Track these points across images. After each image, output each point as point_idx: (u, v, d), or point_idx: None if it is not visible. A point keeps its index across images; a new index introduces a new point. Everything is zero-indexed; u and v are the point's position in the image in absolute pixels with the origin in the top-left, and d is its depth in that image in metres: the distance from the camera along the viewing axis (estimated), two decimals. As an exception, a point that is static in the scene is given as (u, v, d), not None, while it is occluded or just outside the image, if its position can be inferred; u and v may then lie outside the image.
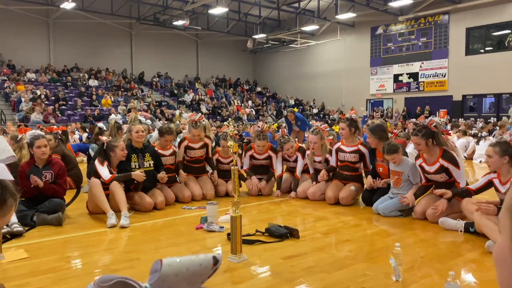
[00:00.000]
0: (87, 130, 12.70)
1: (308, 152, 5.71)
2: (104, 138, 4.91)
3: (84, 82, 23.15)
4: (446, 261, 3.09)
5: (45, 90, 20.41)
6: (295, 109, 11.03)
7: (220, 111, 24.17)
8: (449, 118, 20.27)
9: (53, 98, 20.05)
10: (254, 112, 25.44)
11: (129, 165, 4.92)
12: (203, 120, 5.95)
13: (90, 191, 4.52)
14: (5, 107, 18.58)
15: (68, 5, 19.95)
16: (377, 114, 23.95)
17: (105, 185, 4.50)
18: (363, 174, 5.40)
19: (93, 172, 4.66)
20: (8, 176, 1.13)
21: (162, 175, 4.97)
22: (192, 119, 5.64)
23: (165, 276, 0.70)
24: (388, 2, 20.74)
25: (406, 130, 13.71)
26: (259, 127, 5.94)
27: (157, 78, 26.78)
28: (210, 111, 23.91)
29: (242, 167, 5.97)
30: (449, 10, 21.59)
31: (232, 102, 26.39)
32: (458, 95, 21.77)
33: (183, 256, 0.73)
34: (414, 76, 23.63)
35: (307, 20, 24.99)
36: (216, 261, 0.76)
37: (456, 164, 4.10)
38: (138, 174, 4.63)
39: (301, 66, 28.69)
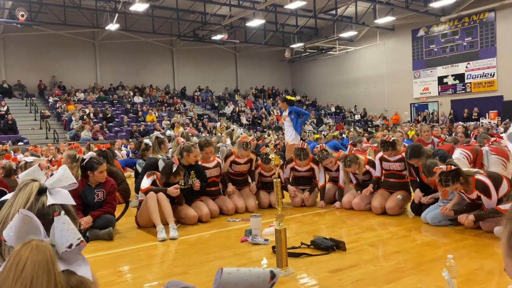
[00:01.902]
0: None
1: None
2: (174, 155, 5.05)
3: (130, 99, 24.04)
4: (504, 273, 2.91)
5: (93, 108, 21.39)
6: (290, 97, 8.47)
7: (260, 121, 24.30)
8: (500, 119, 19.30)
9: (100, 115, 20.95)
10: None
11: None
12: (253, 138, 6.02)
13: (144, 203, 4.65)
14: (57, 126, 19.60)
15: (113, 27, 20.90)
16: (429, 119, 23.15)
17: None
18: (410, 183, 5.23)
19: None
20: (71, 201, 1.22)
21: (172, 189, 4.73)
22: (244, 141, 5.68)
23: (225, 283, 0.74)
24: (428, 3, 20.16)
25: (453, 134, 13.19)
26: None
27: (198, 92, 27.37)
28: (250, 122, 24.09)
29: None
30: (495, 7, 20.67)
31: (271, 112, 26.47)
32: (510, 95, 20.67)
33: (242, 268, 0.77)
34: (460, 77, 22.74)
35: (345, 27, 24.75)
36: (273, 275, 0.79)
37: (488, 194, 3.86)
38: (172, 191, 4.70)
39: (341, 73, 28.37)
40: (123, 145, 14.36)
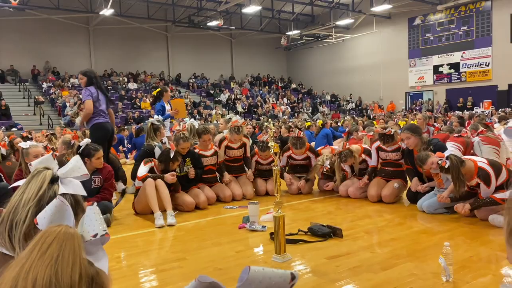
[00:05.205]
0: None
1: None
2: (171, 143, 5.02)
3: (124, 86, 23.85)
4: (499, 261, 2.97)
5: (87, 94, 21.17)
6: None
7: (255, 109, 24.26)
8: (494, 108, 19.41)
9: (95, 102, 20.78)
10: (289, 109, 25.37)
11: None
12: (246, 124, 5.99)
13: (142, 190, 4.66)
14: (51, 112, 19.44)
15: (107, 12, 20.61)
16: (416, 107, 23.27)
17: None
18: (406, 172, 5.25)
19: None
20: (82, 192, 1.22)
21: (169, 176, 4.79)
22: (235, 125, 5.67)
23: (252, 280, 0.79)
24: (426, -9, 20.09)
25: (448, 123, 13.26)
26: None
27: (194, 79, 27.20)
28: (246, 110, 24.04)
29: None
30: (491, -4, 20.66)
31: (267, 100, 26.42)
32: (504, 85, 20.77)
33: (267, 267, 0.81)
34: (455, 66, 22.78)
35: (342, 14, 24.60)
36: (293, 277, 0.84)
37: (488, 183, 3.88)
38: (168, 177, 4.73)
39: (337, 61, 28.30)
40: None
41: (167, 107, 7.04)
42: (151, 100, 7.51)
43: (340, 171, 5.48)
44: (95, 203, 0.98)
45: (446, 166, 3.94)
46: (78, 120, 5.80)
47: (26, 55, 22.36)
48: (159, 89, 7.31)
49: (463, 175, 3.93)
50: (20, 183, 1.26)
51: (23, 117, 18.60)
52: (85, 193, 1.26)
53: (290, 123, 11.53)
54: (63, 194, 1.18)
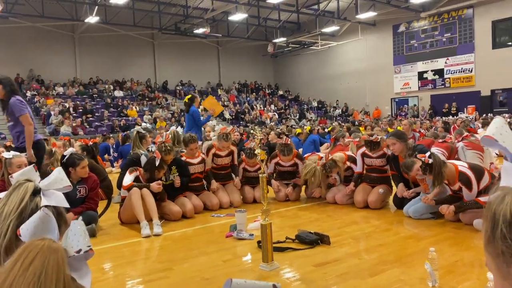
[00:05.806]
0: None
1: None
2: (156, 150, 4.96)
3: (110, 93, 23.67)
4: (483, 265, 2.98)
5: (72, 103, 20.98)
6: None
7: (243, 116, 24.27)
8: (477, 114, 19.75)
9: (80, 110, 20.57)
10: (277, 116, 25.45)
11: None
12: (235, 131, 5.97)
13: (128, 199, 4.60)
14: (35, 121, 19.09)
15: (92, 19, 20.49)
16: (402, 113, 23.55)
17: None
18: (391, 178, 5.30)
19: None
20: (64, 204, 1.21)
21: (154, 185, 4.74)
22: (223, 132, 5.65)
23: None
24: (409, -1, 20.43)
25: (433, 129, 13.41)
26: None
27: (181, 86, 27.13)
28: (233, 117, 24.04)
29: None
30: (473, 4, 21.08)
31: (254, 106, 26.46)
32: (487, 90, 21.18)
33: (249, 280, 0.81)
34: (439, 72, 23.15)
35: (327, 22, 24.85)
36: None
37: (469, 187, 3.93)
38: (154, 186, 4.70)
39: (323, 68, 28.52)
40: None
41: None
42: (185, 105, 7.35)
43: (326, 181, 5.51)
44: (80, 217, 0.97)
45: (430, 162, 3.98)
46: (25, 152, 4.97)
47: (9, 64, 22.00)
48: (190, 95, 7.43)
49: (445, 172, 3.99)
50: (1, 195, 1.24)
51: (6, 126, 18.28)
52: (68, 205, 1.24)
53: (278, 130, 11.54)
54: (45, 207, 1.17)
